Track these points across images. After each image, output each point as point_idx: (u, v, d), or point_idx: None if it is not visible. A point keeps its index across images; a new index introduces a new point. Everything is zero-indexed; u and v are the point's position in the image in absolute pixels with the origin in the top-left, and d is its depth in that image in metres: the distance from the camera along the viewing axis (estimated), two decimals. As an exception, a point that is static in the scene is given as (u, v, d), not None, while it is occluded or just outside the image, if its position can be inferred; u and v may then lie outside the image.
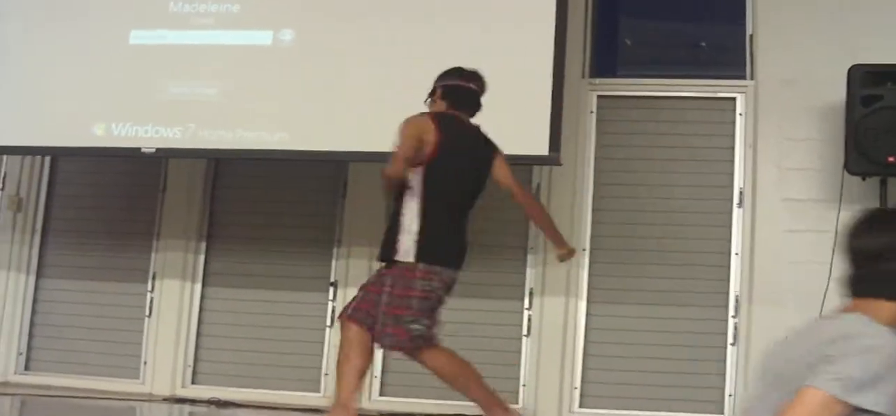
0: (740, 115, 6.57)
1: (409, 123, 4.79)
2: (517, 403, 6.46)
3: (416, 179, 4.78)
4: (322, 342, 6.80)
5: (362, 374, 4.89)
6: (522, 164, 6.37)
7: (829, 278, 6.01)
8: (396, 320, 4.70)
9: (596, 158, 6.71)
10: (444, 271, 4.79)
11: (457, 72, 5.09)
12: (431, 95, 5.07)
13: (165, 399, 6.78)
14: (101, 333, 7.10)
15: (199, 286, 7.08)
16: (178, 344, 6.95)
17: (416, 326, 4.69)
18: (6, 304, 7.24)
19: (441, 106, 4.99)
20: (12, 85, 6.88)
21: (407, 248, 4.73)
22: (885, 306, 2.37)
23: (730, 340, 6.34)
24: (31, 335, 7.25)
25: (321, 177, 7.02)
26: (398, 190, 4.82)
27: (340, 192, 6.99)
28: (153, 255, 7.15)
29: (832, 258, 6.03)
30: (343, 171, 6.97)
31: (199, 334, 7.03)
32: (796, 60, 6.49)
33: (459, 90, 5.04)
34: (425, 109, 5.06)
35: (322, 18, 6.62)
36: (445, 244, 4.83)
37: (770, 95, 6.51)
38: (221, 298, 7.07)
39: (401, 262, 4.74)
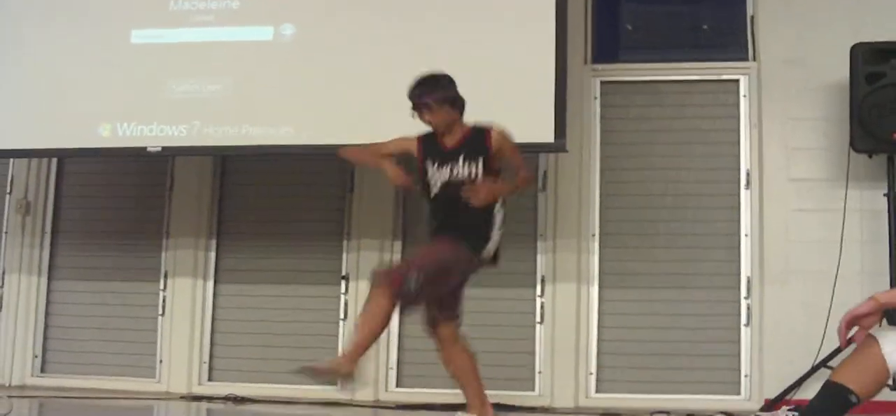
0: (744, 96, 6.63)
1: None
2: (534, 390, 6.55)
3: None
4: (336, 336, 6.84)
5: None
6: (529, 152, 6.40)
7: (839, 257, 6.10)
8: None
9: (602, 144, 6.76)
10: None
11: (453, 82, 5.00)
12: (452, 103, 4.95)
13: (183, 397, 6.81)
14: (116, 333, 7.14)
15: (211, 283, 7.11)
16: (192, 342, 6.99)
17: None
18: (19, 307, 7.27)
19: (455, 116, 4.98)
20: (16, 88, 6.87)
21: (490, 249, 4.90)
22: None
23: (743, 321, 6.41)
24: (45, 338, 7.28)
25: (328, 170, 7.04)
26: None
27: (348, 185, 7.02)
28: (164, 253, 7.18)
29: (842, 236, 6.13)
30: (350, 164, 6.98)
31: (213, 331, 7.06)
32: (798, 40, 6.55)
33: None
34: (415, 120, 5.03)
35: (322, 12, 6.64)
36: None
37: (773, 76, 6.56)
38: (234, 294, 7.10)
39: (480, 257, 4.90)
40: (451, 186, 4.89)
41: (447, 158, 4.93)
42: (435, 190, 4.94)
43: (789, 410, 3.88)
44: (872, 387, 3.29)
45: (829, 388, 3.38)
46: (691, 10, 7.00)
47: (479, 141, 4.93)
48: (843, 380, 3.33)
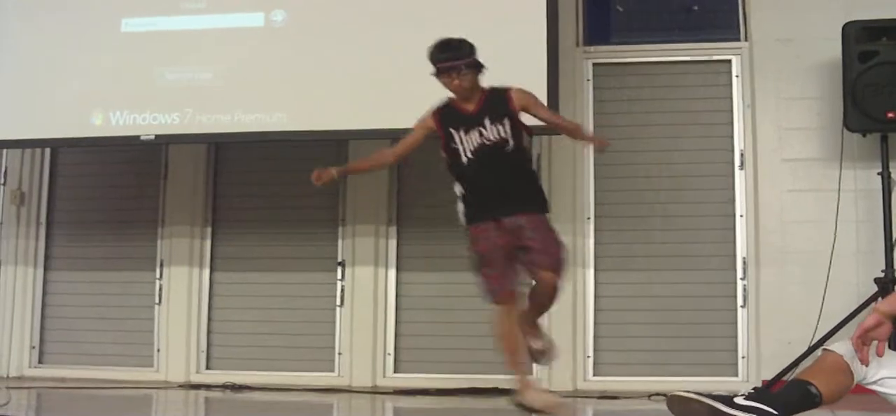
0: (736, 76, 6.63)
1: None
2: (531, 374, 6.52)
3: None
4: (333, 322, 6.87)
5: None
6: (522, 134, 6.45)
7: (834, 236, 6.10)
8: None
9: (595, 126, 6.72)
10: None
11: (474, 46, 4.97)
12: (477, 67, 4.92)
13: (181, 386, 6.83)
14: (113, 323, 7.15)
15: (207, 271, 7.12)
16: (189, 330, 7.00)
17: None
18: (16, 298, 7.28)
19: (477, 80, 4.95)
20: (8, 78, 6.86)
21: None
22: None
23: (740, 302, 6.43)
24: (42, 329, 7.29)
25: (322, 156, 6.92)
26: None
27: (342, 171, 7.01)
28: (159, 242, 7.19)
29: (837, 216, 6.14)
30: (343, 149, 6.95)
31: (210, 319, 7.07)
32: (790, 19, 6.54)
33: None
34: (433, 80, 4.98)
35: (312, -3, 6.64)
36: None
37: (765, 56, 6.56)
38: (230, 282, 7.11)
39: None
40: (485, 149, 4.86)
41: (473, 122, 4.88)
42: (467, 156, 4.88)
43: (754, 388, 3.89)
44: (836, 390, 3.27)
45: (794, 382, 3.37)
46: (682, -10, 7.02)
47: (500, 103, 4.92)
48: (807, 378, 3.31)
